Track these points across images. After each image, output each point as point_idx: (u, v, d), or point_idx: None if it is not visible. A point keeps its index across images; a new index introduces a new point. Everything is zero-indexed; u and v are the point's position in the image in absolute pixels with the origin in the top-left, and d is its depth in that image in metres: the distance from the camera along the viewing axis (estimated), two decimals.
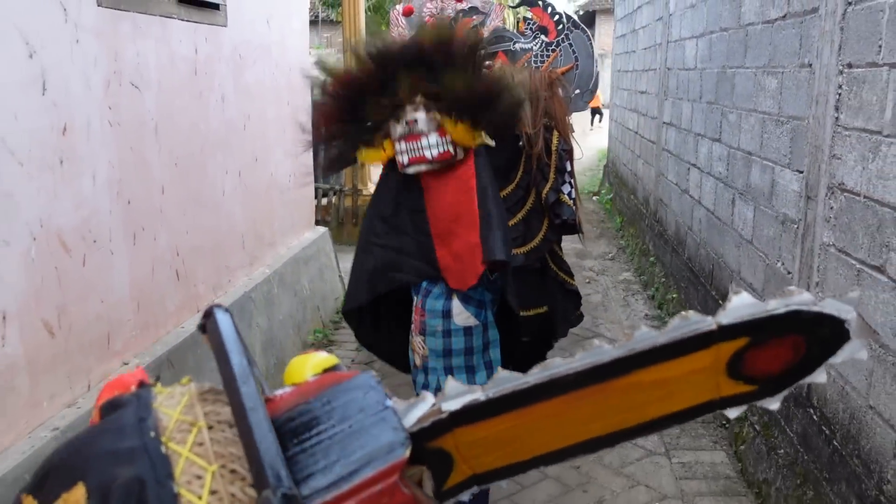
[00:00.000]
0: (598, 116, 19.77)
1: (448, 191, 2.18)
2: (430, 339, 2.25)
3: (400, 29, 3.92)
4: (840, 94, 2.53)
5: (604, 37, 22.18)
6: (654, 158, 6.30)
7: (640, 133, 7.21)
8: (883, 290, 2.18)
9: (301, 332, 4.38)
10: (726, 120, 3.95)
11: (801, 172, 2.86)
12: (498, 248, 2.11)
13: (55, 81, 2.27)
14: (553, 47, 3.35)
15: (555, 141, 2.77)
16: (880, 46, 2.24)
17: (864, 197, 2.32)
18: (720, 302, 2.73)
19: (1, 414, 2.05)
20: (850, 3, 2.47)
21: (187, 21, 3.12)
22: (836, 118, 2.55)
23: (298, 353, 1.02)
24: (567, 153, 2.82)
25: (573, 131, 2.92)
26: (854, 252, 2.39)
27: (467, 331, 2.25)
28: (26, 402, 2.16)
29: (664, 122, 5.88)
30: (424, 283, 2.25)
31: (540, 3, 3.39)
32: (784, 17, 3.11)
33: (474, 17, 3.60)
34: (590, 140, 14.40)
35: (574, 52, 3.37)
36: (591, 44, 3.44)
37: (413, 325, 2.32)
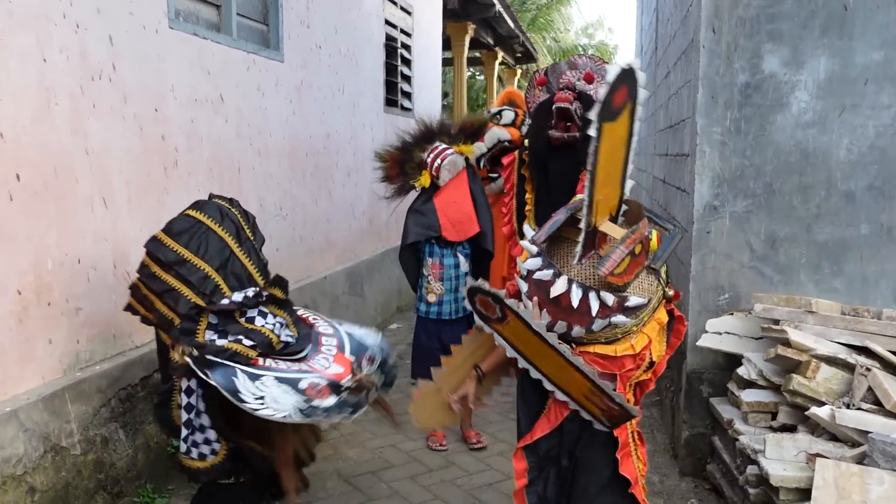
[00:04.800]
0: None
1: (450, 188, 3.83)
2: (447, 282, 3.82)
3: (536, 91, 4.66)
4: None
5: None
6: None
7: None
8: None
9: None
10: None
11: None
12: (489, 241, 3.88)
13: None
14: None
15: None
16: None
17: None
18: None
19: None
20: None
21: (403, 116, 7.27)
22: None
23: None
24: None
25: None
26: None
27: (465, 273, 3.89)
28: None
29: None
30: (437, 249, 3.81)
31: None
32: None
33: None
34: None
35: None
36: None
37: (431, 276, 3.82)
